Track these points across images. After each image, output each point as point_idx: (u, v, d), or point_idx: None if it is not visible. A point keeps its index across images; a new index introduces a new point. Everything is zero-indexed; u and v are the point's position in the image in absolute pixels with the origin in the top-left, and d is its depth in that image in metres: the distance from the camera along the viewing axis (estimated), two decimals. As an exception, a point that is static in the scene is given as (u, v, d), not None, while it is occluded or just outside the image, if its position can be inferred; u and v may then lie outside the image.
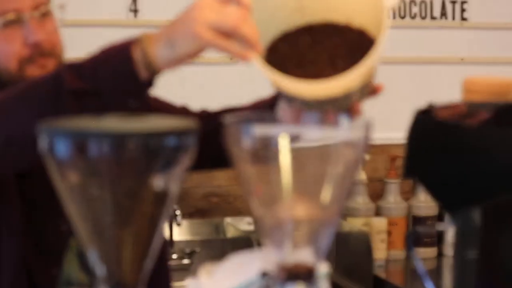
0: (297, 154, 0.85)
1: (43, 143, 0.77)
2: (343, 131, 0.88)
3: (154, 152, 0.76)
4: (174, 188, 0.81)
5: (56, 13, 1.43)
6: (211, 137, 1.43)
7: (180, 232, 2.55)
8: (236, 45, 1.08)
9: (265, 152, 0.85)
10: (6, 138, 1.17)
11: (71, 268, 1.43)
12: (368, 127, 0.85)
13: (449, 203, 0.96)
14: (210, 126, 1.44)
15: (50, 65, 1.39)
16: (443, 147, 0.93)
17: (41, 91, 1.16)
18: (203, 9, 1.08)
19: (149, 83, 1.14)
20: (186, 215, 2.60)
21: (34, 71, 1.37)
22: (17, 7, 1.36)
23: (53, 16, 1.42)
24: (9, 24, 1.36)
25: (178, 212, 2.48)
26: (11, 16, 1.35)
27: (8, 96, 1.20)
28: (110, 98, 1.13)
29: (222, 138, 1.43)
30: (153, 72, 1.12)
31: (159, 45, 1.11)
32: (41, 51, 1.37)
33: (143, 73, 1.12)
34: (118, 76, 1.12)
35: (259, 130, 0.85)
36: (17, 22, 1.36)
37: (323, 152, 0.86)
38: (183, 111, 1.52)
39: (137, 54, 1.11)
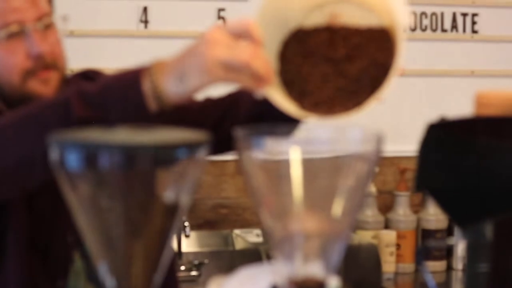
0: (308, 166, 0.85)
1: (54, 155, 0.77)
2: (355, 144, 0.87)
3: (164, 165, 0.76)
4: (185, 200, 0.80)
5: (59, 24, 1.43)
6: (218, 125, 1.43)
7: (188, 243, 2.55)
8: (247, 79, 1.07)
9: (276, 164, 0.85)
10: (14, 163, 1.17)
11: (77, 281, 1.42)
12: (379, 140, 0.85)
13: (459, 217, 0.96)
14: (217, 112, 1.44)
15: (52, 78, 1.38)
16: (454, 161, 0.92)
17: (49, 118, 1.15)
18: (215, 45, 1.07)
19: (159, 113, 1.13)
20: (195, 226, 2.59)
21: (36, 85, 1.37)
22: (20, 19, 1.35)
23: (56, 27, 1.41)
24: (11, 36, 1.35)
25: (186, 224, 2.48)
26: (14, 28, 1.35)
27: (16, 121, 1.19)
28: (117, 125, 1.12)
29: (229, 124, 1.43)
30: (162, 105, 1.11)
31: (169, 78, 1.10)
32: (43, 63, 1.37)
33: (152, 106, 1.11)
34: (127, 108, 1.12)
35: (270, 142, 0.84)
36: (19, 34, 1.36)
37: (334, 165, 0.86)
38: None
39: (147, 87, 1.11)
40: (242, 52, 1.06)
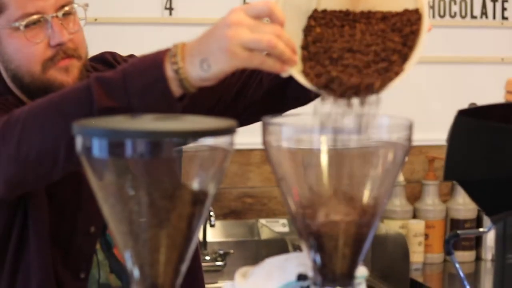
0: (337, 155, 0.84)
1: (79, 143, 0.76)
2: (383, 132, 0.86)
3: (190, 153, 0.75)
4: (211, 189, 0.79)
5: (80, 12, 1.42)
6: (241, 94, 1.42)
7: (213, 233, 2.54)
8: (271, 61, 1.05)
9: (304, 153, 0.84)
10: (36, 154, 1.16)
11: (100, 272, 1.42)
12: (409, 128, 0.83)
13: (489, 207, 0.94)
14: (240, 81, 1.43)
15: (73, 66, 1.37)
16: (485, 148, 0.91)
17: (71, 108, 1.13)
18: (237, 27, 1.05)
19: (182, 98, 1.11)
20: (220, 216, 2.59)
21: (57, 74, 1.36)
22: (40, 9, 1.34)
23: (76, 16, 1.40)
24: (32, 25, 1.35)
25: (211, 213, 2.47)
26: (34, 18, 1.34)
27: (37, 112, 1.18)
28: (141, 113, 1.10)
29: (252, 92, 1.41)
30: (186, 89, 1.10)
31: (191, 62, 1.08)
32: (64, 52, 1.36)
33: (176, 91, 1.10)
34: (151, 95, 1.10)
35: (299, 130, 0.83)
36: (40, 23, 1.35)
37: (363, 153, 0.85)
38: None
39: (169, 72, 1.09)
40: (266, 33, 1.04)
